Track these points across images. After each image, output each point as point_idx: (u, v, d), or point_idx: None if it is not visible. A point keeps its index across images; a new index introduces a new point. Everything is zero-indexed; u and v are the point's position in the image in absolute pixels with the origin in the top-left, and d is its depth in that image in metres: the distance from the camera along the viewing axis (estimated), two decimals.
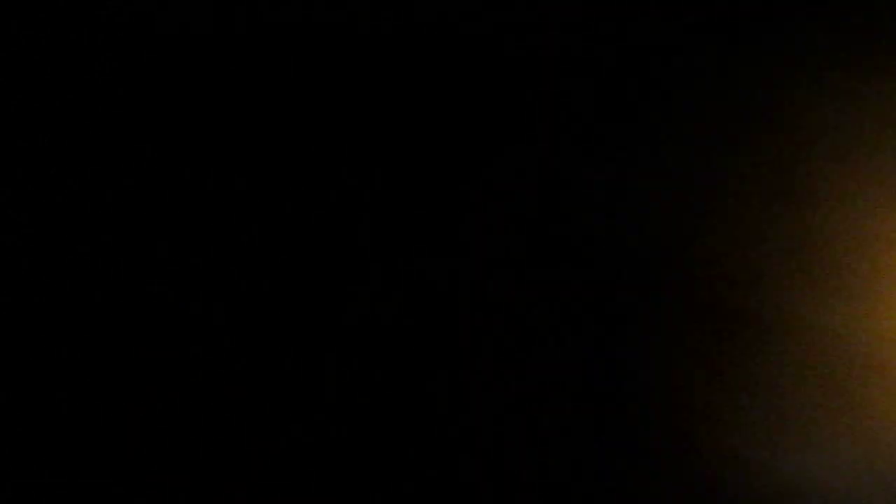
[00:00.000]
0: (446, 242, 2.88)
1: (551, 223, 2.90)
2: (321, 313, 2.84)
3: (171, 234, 2.84)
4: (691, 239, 2.86)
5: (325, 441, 2.79)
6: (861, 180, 2.83)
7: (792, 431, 2.78)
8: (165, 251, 2.83)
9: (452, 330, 2.85)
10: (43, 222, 2.83)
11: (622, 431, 2.80)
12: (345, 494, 2.78)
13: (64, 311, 2.80)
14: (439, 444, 2.81)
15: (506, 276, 2.87)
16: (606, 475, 2.79)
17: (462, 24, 2.93)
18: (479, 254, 2.88)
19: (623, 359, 2.83)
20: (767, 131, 2.89)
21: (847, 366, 2.79)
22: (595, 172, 2.88)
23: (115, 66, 2.88)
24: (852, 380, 2.78)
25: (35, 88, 2.86)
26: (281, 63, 2.91)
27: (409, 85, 2.92)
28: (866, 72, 2.88)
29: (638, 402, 2.80)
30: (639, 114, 2.93)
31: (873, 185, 2.83)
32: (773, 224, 2.86)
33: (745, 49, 2.92)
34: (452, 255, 2.88)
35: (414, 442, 2.80)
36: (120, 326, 2.81)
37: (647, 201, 2.88)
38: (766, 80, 2.92)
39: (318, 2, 2.90)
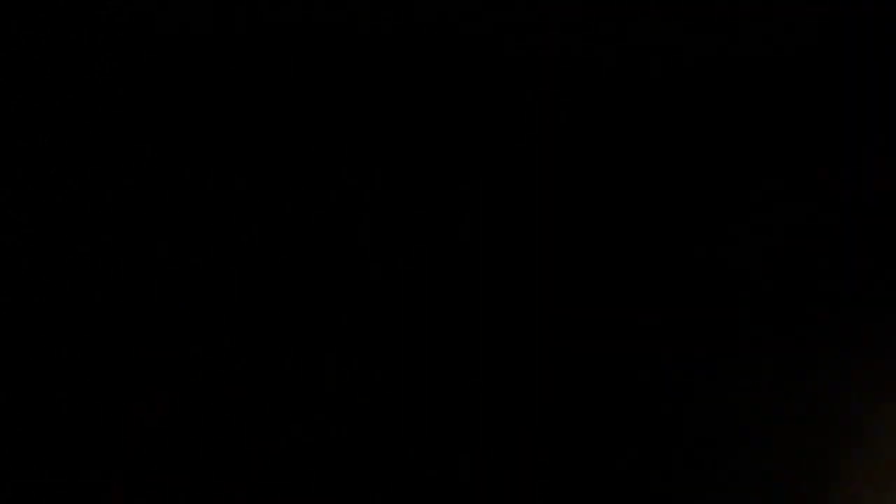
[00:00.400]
0: (446, 243, 2.88)
1: (558, 226, 2.90)
2: (321, 313, 2.84)
3: (171, 234, 2.84)
4: None
5: (325, 441, 2.79)
6: None
7: None
8: (165, 251, 2.83)
9: (453, 330, 2.85)
10: (43, 222, 2.83)
11: None
12: (345, 494, 2.78)
13: (64, 311, 2.80)
14: (440, 445, 2.80)
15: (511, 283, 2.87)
16: None
17: (462, 24, 2.92)
18: (480, 255, 2.88)
19: None
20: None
21: None
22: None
23: (116, 66, 2.88)
24: None
25: (35, 88, 2.86)
26: (281, 63, 2.90)
27: (409, 85, 2.92)
28: None
29: None
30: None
31: None
32: None
33: None
34: (453, 256, 2.87)
35: (414, 442, 2.80)
36: (120, 326, 2.80)
37: None
38: None
39: (318, 2, 2.90)
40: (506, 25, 2.93)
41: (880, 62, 2.91)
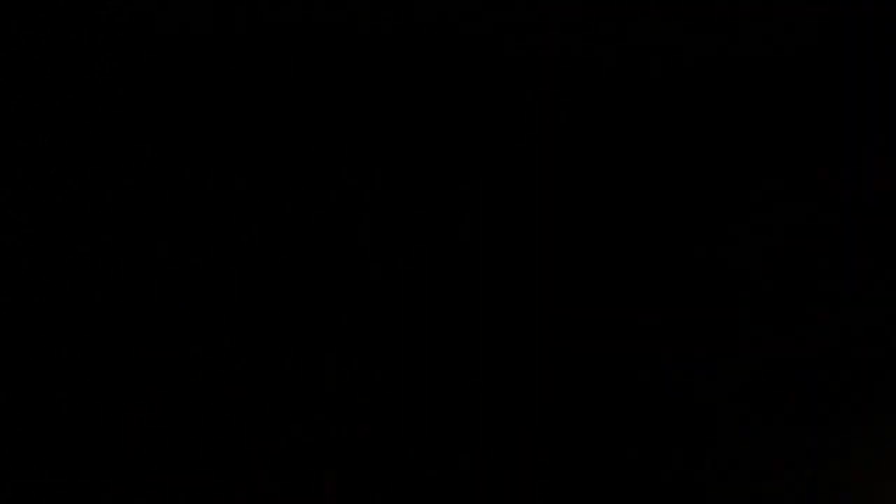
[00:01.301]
0: (446, 243, 2.88)
1: (560, 226, 2.89)
2: (321, 313, 2.84)
3: (171, 234, 2.84)
4: None
5: (326, 441, 2.79)
6: None
7: None
8: (165, 251, 2.83)
9: (453, 330, 2.85)
10: (43, 222, 2.83)
11: None
12: (345, 494, 2.78)
13: (64, 312, 2.80)
14: (440, 445, 2.80)
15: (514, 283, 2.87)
16: None
17: (462, 24, 2.92)
18: (480, 255, 2.88)
19: None
20: None
21: None
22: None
23: (116, 66, 2.88)
24: None
25: (35, 88, 2.86)
26: (281, 63, 2.90)
27: (409, 85, 2.92)
28: None
29: None
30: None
31: None
32: None
33: None
34: (453, 256, 2.87)
35: (414, 442, 2.80)
36: (120, 326, 2.80)
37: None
38: None
39: (318, 2, 2.90)
40: (506, 25, 2.93)
41: (880, 62, 2.91)
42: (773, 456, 2.80)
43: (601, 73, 2.92)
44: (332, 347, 2.82)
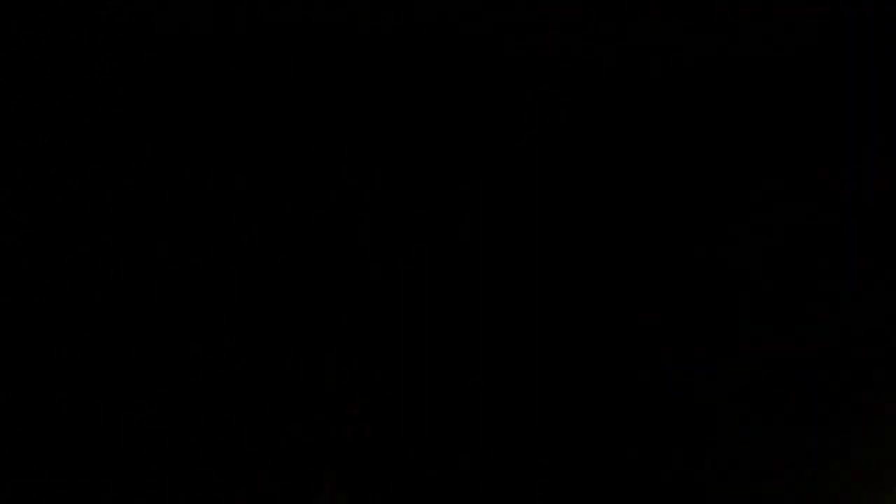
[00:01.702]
0: (446, 243, 2.88)
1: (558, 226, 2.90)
2: (321, 313, 2.84)
3: (172, 234, 2.84)
4: None
5: (326, 441, 2.79)
6: None
7: None
8: (165, 251, 2.83)
9: (453, 330, 2.85)
10: (43, 222, 2.83)
11: None
12: (345, 494, 2.78)
13: (64, 311, 2.80)
14: (440, 445, 2.80)
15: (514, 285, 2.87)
16: None
17: (462, 24, 2.92)
18: (480, 255, 2.88)
19: None
20: None
21: None
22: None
23: (116, 66, 2.88)
24: None
25: (35, 88, 2.86)
26: (281, 63, 2.90)
27: (409, 85, 2.92)
28: None
29: None
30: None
31: None
32: None
33: None
34: (453, 256, 2.87)
35: (414, 442, 2.80)
36: (120, 326, 2.80)
37: None
38: None
39: (318, 2, 2.90)
40: (506, 25, 2.93)
41: (880, 62, 2.91)
42: (773, 456, 2.80)
43: (601, 73, 2.92)
44: (332, 347, 2.82)
